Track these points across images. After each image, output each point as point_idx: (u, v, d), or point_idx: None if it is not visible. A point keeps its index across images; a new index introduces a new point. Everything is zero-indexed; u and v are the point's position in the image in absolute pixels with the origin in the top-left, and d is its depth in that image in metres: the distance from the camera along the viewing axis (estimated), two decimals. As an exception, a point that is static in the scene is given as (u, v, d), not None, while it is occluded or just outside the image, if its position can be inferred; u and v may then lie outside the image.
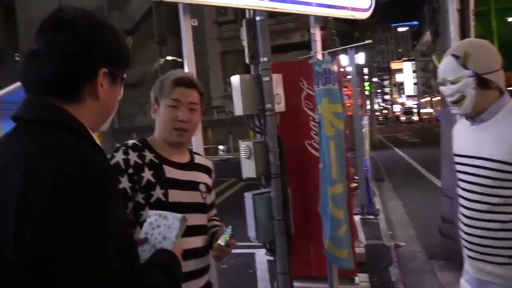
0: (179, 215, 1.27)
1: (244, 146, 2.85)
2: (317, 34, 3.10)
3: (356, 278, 3.63)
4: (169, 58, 26.14)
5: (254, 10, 3.30)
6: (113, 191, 0.86)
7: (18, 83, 4.94)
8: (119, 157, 1.54)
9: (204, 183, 1.69)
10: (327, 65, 3.15)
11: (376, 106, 47.19)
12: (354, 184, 7.54)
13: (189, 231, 1.50)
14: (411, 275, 4.08)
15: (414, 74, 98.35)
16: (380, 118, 58.38)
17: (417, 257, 4.54)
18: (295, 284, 3.04)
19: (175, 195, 1.57)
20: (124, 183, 1.50)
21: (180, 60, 27.43)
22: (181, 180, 1.61)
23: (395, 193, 8.47)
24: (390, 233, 5.64)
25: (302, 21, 20.34)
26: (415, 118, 58.34)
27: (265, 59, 3.25)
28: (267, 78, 3.12)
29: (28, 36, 28.58)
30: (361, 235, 5.36)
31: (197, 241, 1.61)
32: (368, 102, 24.54)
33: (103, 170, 0.85)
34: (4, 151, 0.90)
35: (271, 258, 3.00)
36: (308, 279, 3.55)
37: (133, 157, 1.55)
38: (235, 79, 3.33)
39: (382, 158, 15.21)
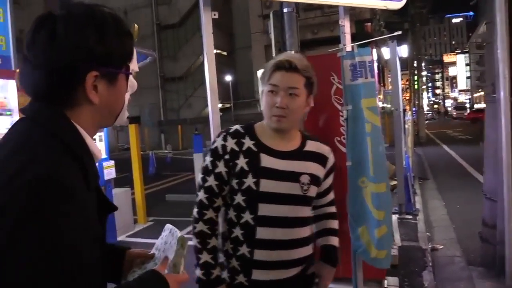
0: (178, 234, 1.10)
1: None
2: (346, 26, 2.96)
3: (385, 281, 3.47)
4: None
5: (282, 2, 3.21)
6: (60, 208, 0.76)
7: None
8: (218, 142, 1.60)
9: (309, 174, 1.61)
10: (361, 57, 3.00)
11: (425, 101, 45.36)
12: (394, 182, 7.29)
13: (288, 222, 1.57)
14: (445, 281, 3.85)
15: (468, 67, 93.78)
16: (430, 113, 56.01)
17: (455, 262, 4.28)
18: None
19: (268, 185, 1.54)
20: (220, 167, 1.57)
21: (224, 53, 27.71)
22: (278, 170, 1.57)
23: (439, 193, 8.07)
24: (428, 235, 5.36)
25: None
26: (467, 113, 55.55)
27: (293, 52, 3.16)
28: (293, 72, 3.03)
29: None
30: (396, 236, 5.14)
31: (296, 232, 1.60)
32: (416, 96, 23.68)
33: (57, 185, 0.76)
34: (7, 133, 0.89)
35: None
36: (334, 280, 3.43)
37: (230, 143, 1.59)
38: (260, 73, 3.27)
39: (428, 155, 14.63)
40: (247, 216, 1.56)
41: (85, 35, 0.85)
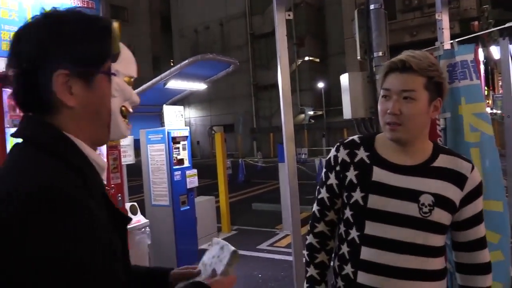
0: (232, 249, 1.10)
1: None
2: (444, 20, 2.55)
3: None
4: (306, 58, 26.29)
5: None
6: (69, 219, 0.71)
7: (142, 87, 5.26)
8: (331, 153, 1.55)
9: (434, 194, 1.35)
10: (462, 56, 2.59)
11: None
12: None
13: (399, 247, 1.36)
14: None
15: None
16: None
17: None
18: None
19: (377, 202, 1.39)
20: (332, 179, 1.52)
21: (317, 60, 27.47)
22: (391, 186, 1.38)
23: None
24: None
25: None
26: None
27: (380, 53, 2.84)
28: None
29: (181, 44, 31.79)
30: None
31: (412, 261, 1.36)
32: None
33: (61, 196, 0.72)
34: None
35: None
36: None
37: (342, 154, 1.50)
38: (344, 78, 2.98)
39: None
40: (353, 233, 1.44)
41: (44, 34, 0.82)
